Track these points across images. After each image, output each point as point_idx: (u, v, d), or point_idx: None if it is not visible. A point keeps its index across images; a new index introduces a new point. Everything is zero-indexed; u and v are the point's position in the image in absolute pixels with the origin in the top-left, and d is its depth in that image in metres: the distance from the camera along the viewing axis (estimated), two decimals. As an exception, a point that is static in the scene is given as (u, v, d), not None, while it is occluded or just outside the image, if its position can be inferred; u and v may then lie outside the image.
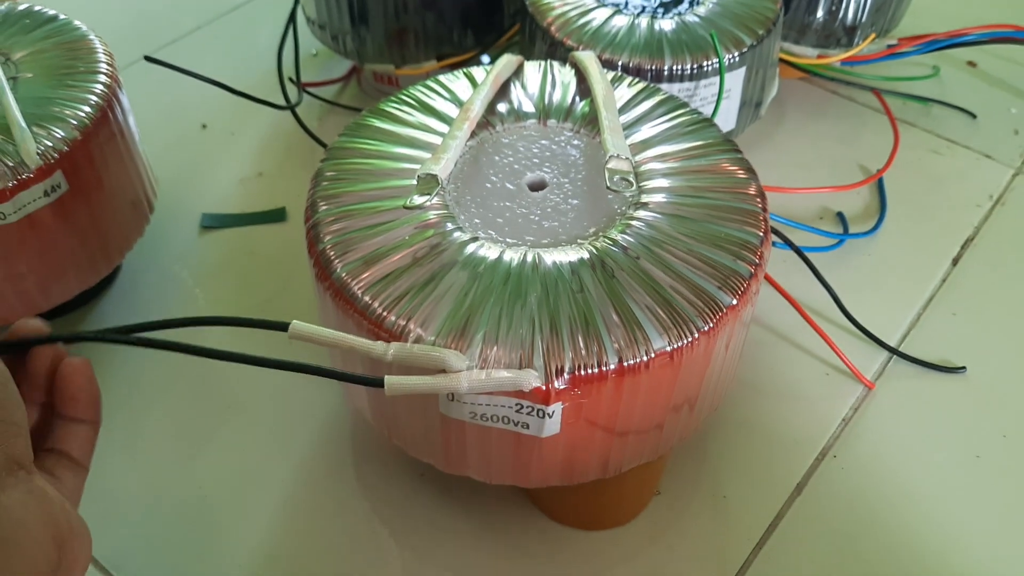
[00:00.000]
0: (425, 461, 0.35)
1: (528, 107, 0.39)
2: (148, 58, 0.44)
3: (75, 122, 0.38)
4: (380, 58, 0.52)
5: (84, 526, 0.27)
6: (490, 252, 0.33)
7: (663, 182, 0.35)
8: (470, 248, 0.33)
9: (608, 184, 0.33)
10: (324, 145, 0.53)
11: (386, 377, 0.30)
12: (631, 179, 0.34)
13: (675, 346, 0.31)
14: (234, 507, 0.39)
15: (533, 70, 0.41)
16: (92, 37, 0.43)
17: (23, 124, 0.37)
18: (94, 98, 0.40)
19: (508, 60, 0.40)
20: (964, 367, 0.43)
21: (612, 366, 0.30)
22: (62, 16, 0.44)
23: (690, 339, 0.31)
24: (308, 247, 0.34)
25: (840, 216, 0.51)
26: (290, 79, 0.55)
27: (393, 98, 0.39)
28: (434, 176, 0.34)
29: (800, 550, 0.37)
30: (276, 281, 0.48)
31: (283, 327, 0.30)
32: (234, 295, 0.47)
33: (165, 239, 0.50)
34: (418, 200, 0.34)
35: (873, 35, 0.54)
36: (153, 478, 0.40)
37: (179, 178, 0.53)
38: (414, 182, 0.35)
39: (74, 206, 0.39)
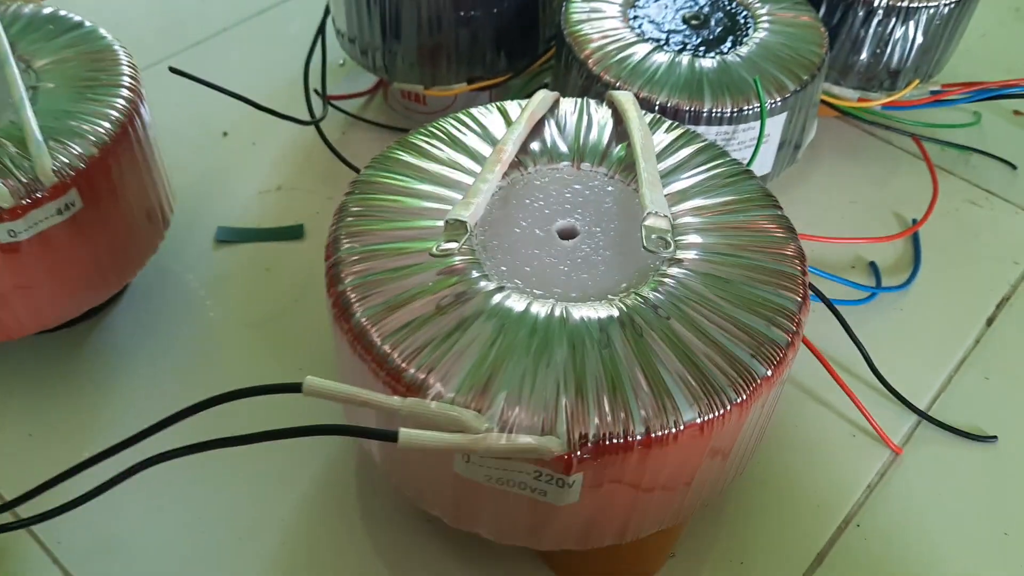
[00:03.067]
0: (433, 514, 0.34)
1: (562, 148, 0.38)
2: (172, 69, 0.43)
3: (93, 138, 0.37)
4: (410, 76, 0.51)
5: None
6: (516, 304, 0.32)
7: (697, 239, 0.34)
8: (496, 299, 0.32)
9: (644, 244, 0.32)
10: (345, 161, 0.52)
11: (401, 429, 0.28)
12: (669, 239, 0.32)
13: (705, 418, 0.29)
14: (232, 544, 0.38)
15: (568, 107, 0.40)
16: (117, 48, 0.41)
17: (40, 139, 0.36)
18: (115, 113, 0.38)
19: (544, 96, 0.39)
20: (995, 436, 0.42)
21: (639, 436, 0.29)
22: (87, 23, 0.42)
23: (722, 411, 0.30)
24: (328, 286, 0.33)
25: (873, 267, 0.49)
26: (315, 91, 0.54)
27: (423, 130, 0.38)
28: (463, 223, 0.32)
29: (818, 624, 0.36)
30: (289, 299, 0.47)
31: (297, 388, 0.29)
32: (246, 312, 0.46)
33: (179, 251, 0.49)
34: (446, 247, 0.32)
35: (916, 80, 0.53)
36: (147, 514, 0.38)
37: (197, 188, 0.52)
38: (441, 224, 0.33)
39: (88, 223, 0.38)
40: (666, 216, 0.33)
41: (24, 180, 0.35)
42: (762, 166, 0.47)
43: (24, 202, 0.35)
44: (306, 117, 0.52)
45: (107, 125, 0.38)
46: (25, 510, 0.30)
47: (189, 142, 0.55)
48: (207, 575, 0.37)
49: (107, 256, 0.40)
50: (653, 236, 0.32)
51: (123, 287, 0.44)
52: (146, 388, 0.43)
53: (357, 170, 0.47)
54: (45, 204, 0.36)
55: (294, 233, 0.50)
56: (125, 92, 0.39)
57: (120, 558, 0.37)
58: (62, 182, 0.36)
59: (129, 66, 0.41)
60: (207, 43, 0.62)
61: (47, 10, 0.43)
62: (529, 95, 0.39)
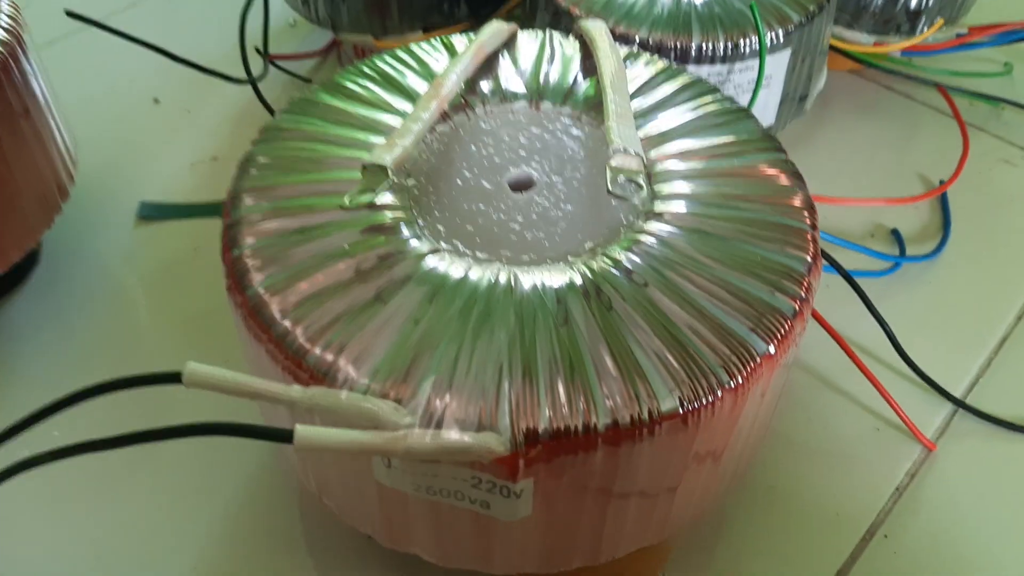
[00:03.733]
0: (363, 532, 0.27)
1: (518, 86, 0.31)
2: (69, 13, 0.37)
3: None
4: (357, 27, 0.45)
5: None
6: (453, 268, 0.25)
7: (684, 187, 0.28)
8: (428, 262, 0.25)
9: (609, 186, 0.25)
10: (292, 128, 0.46)
11: (297, 427, 0.22)
12: (641, 181, 0.26)
13: (690, 406, 0.23)
14: (136, 571, 0.31)
15: (528, 41, 0.33)
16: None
17: None
18: (-14, 58, 0.32)
19: (497, 28, 0.32)
20: (1045, 427, 0.35)
21: (602, 430, 0.22)
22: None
23: (711, 398, 0.23)
24: (222, 251, 0.27)
25: (895, 234, 0.43)
26: (256, 49, 0.48)
27: (352, 69, 0.32)
28: (383, 167, 0.26)
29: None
30: (220, 281, 0.40)
31: (177, 378, 0.23)
32: (171, 300, 0.40)
33: (95, 230, 0.42)
34: (361, 198, 0.26)
35: (941, 21, 0.46)
36: (43, 534, 0.32)
37: (122, 160, 0.46)
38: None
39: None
40: (638, 154, 0.26)
41: None
42: (763, 117, 0.40)
43: None
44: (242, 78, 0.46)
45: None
46: None
47: (114, 111, 0.49)
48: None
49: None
50: (620, 178, 0.25)
51: (25, 263, 0.38)
52: (47, 379, 0.36)
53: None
54: None
55: (228, 208, 0.43)
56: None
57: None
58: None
59: (11, 6, 0.34)
60: (142, 5, 0.56)
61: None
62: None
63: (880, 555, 0.32)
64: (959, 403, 0.36)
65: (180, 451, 0.32)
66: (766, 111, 0.40)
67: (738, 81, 0.37)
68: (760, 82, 0.37)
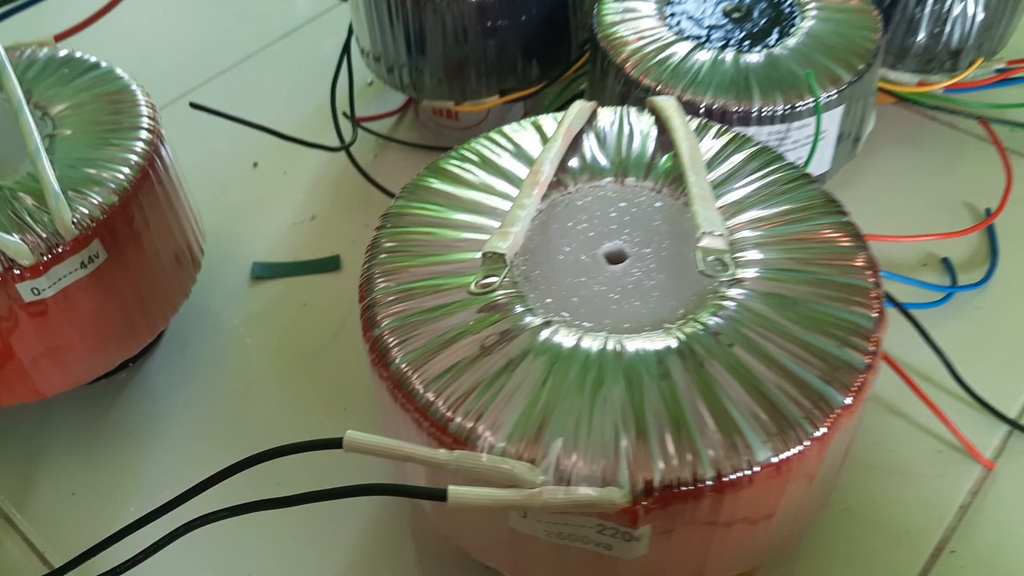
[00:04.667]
0: (491, 566, 0.32)
1: (603, 162, 0.35)
2: (193, 105, 0.42)
3: (113, 185, 0.36)
4: (439, 93, 0.49)
5: None
6: (566, 339, 0.29)
7: (757, 255, 0.31)
8: (543, 334, 0.29)
9: (701, 268, 0.29)
10: (378, 186, 0.50)
11: (450, 488, 0.26)
12: (727, 260, 0.29)
13: (782, 456, 0.27)
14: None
15: (608, 118, 0.37)
16: (134, 87, 0.40)
17: (58, 191, 0.34)
18: (134, 157, 0.37)
19: (581, 108, 0.36)
20: (1097, 443, 0.38)
21: (709, 481, 0.26)
22: (103, 63, 0.41)
23: (799, 448, 0.27)
24: (363, 330, 0.31)
25: (946, 263, 0.46)
26: (344, 113, 0.52)
27: (453, 155, 0.36)
28: (501, 255, 0.30)
29: (915, 664, 0.33)
30: (329, 334, 0.45)
31: (338, 444, 0.27)
32: (285, 350, 0.44)
33: (214, 290, 0.47)
34: (485, 282, 0.30)
35: (980, 59, 0.49)
36: (189, 567, 0.37)
37: (229, 223, 0.50)
38: (479, 256, 0.31)
39: (113, 274, 0.36)
40: (722, 235, 0.30)
41: (44, 235, 0.34)
42: (820, 164, 0.43)
43: (45, 258, 0.33)
44: (335, 143, 0.50)
45: (126, 171, 0.36)
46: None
47: (218, 177, 0.53)
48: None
49: (137, 306, 0.38)
50: (710, 258, 0.29)
51: (157, 335, 0.42)
52: (187, 436, 0.41)
53: (391, 194, 0.45)
54: (67, 258, 0.34)
55: (330, 265, 0.48)
56: (144, 134, 0.38)
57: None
58: (83, 234, 0.34)
59: (148, 106, 0.39)
60: (230, 72, 0.61)
61: (62, 52, 0.41)
62: (565, 105, 0.37)
63: (949, 569, 0.35)
64: (1014, 424, 0.39)
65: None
66: (822, 159, 0.43)
67: (796, 137, 0.41)
68: (817, 137, 0.41)
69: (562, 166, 0.35)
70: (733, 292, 0.30)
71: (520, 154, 0.35)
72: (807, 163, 0.41)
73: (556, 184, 0.34)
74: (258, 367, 0.44)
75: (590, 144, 0.36)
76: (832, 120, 0.42)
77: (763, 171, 0.34)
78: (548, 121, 0.37)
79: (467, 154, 0.36)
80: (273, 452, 0.29)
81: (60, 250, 0.34)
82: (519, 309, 0.30)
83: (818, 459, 0.28)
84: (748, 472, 0.26)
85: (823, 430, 0.27)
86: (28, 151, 0.35)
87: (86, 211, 0.35)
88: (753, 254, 0.31)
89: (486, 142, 0.36)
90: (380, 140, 0.54)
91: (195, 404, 0.42)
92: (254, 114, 0.48)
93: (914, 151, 0.52)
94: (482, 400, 0.28)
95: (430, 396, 0.28)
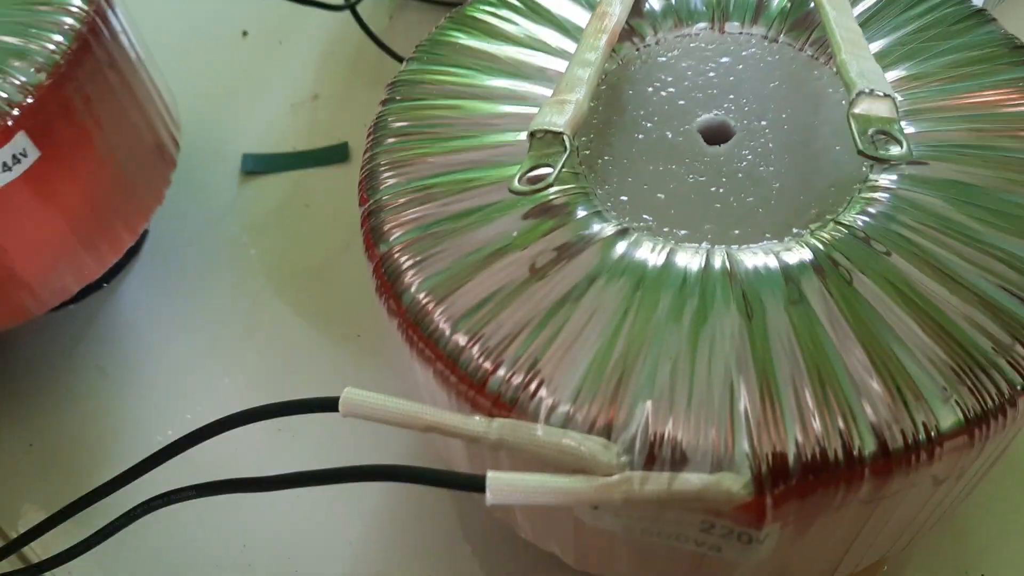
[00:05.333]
0: (549, 551, 0.24)
1: (695, 3, 0.25)
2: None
3: (41, 59, 0.27)
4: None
5: None
6: (651, 255, 0.21)
7: (918, 126, 0.22)
8: (619, 248, 0.21)
9: (861, 146, 0.20)
10: (395, 55, 0.41)
11: (489, 475, 0.18)
12: (898, 134, 0.20)
13: (976, 420, 0.18)
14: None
15: (696, -57, 0.27)
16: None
17: (-38, 67, 0.26)
18: (69, 20, 0.28)
19: (658, -70, 0.26)
20: None
21: (869, 458, 0.18)
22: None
23: (1001, 406, 0.18)
24: (366, 245, 0.23)
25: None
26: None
27: (486, -1, 0.26)
28: (559, 134, 0.21)
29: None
30: (336, 241, 0.37)
31: (333, 406, 0.19)
32: (284, 262, 0.37)
33: (198, 190, 0.39)
34: (535, 174, 0.21)
35: None
36: (196, 532, 0.30)
37: (215, 106, 0.42)
38: (523, 138, 0.22)
39: (51, 177, 0.28)
40: (888, 96, 0.21)
41: (-53, 128, 0.25)
42: None
43: (-51, 159, 0.25)
44: (339, 0, 0.41)
45: (59, 39, 0.28)
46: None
47: (199, 50, 0.44)
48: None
49: (90, 217, 0.30)
50: (872, 131, 0.20)
51: (129, 251, 0.35)
52: (169, 372, 0.34)
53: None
54: (-19, 158, 0.26)
55: (337, 155, 0.40)
56: (80, -10, 0.29)
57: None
58: (3, 126, 0.26)
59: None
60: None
61: None
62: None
63: None
64: None
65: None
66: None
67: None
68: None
69: (637, 8, 0.25)
70: (885, 180, 0.21)
71: (576, -4, 0.26)
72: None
73: (629, 33, 0.25)
74: (252, 285, 0.36)
75: (672, -21, 0.26)
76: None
77: (919, 7, 0.24)
78: (612, -50, 0.27)
79: (503, -2, 0.26)
80: (252, 413, 0.22)
81: (-32, 147, 0.26)
82: (583, 212, 0.21)
83: (1019, 423, 0.19)
84: (928, 444, 0.18)
85: (1036, 381, 0.18)
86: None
87: (4, 94, 0.26)
88: (912, 126, 0.22)
89: (529, -19, 0.27)
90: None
91: (178, 334, 0.35)
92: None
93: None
94: (534, 345, 0.20)
95: (459, 339, 0.20)
